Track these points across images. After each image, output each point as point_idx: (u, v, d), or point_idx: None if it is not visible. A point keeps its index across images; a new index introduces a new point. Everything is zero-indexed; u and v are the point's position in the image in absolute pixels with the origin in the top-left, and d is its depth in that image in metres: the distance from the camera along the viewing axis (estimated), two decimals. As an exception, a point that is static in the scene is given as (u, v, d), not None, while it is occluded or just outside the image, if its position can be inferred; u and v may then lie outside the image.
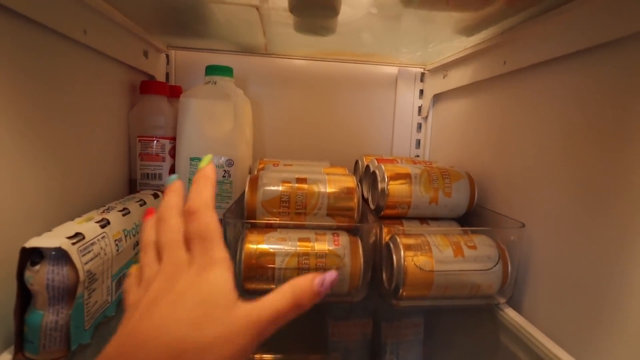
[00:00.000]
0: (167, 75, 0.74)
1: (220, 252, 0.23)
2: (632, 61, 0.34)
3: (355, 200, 0.48)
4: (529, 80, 0.48)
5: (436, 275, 0.45)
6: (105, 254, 0.38)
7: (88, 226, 0.37)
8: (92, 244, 0.36)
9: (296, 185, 0.48)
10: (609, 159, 0.36)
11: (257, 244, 0.43)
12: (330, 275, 0.23)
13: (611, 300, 0.35)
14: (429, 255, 0.46)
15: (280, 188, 0.47)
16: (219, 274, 0.22)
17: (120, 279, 0.42)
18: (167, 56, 0.73)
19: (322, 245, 0.44)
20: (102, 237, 0.38)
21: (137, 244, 0.46)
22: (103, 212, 0.43)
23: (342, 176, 0.50)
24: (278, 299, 0.22)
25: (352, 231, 0.47)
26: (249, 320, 0.20)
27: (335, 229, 0.47)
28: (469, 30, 0.49)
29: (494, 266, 0.46)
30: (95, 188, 0.52)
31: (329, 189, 0.48)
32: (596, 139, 0.38)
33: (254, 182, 0.48)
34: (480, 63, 0.57)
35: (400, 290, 0.45)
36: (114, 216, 0.42)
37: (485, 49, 0.54)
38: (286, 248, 0.43)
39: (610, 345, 0.35)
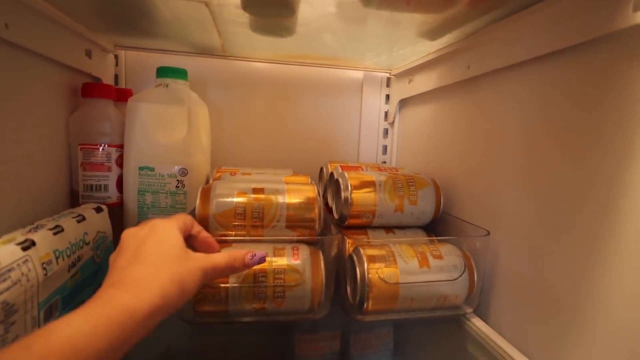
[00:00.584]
0: (116, 77, 0.68)
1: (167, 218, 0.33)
2: (596, 65, 0.33)
3: (316, 211, 0.45)
4: (493, 85, 0.48)
5: (401, 288, 0.43)
6: (28, 280, 0.33)
7: (5, 250, 0.32)
8: (8, 270, 0.31)
9: (252, 195, 0.44)
10: (573, 164, 0.35)
11: None
12: (260, 253, 0.34)
13: (577, 309, 0.34)
14: (394, 267, 0.44)
15: (235, 199, 0.44)
16: (168, 230, 0.31)
17: (51, 307, 0.37)
18: (116, 57, 0.67)
19: (281, 260, 0.41)
20: (24, 262, 0.33)
21: (73, 264, 0.41)
22: (29, 231, 0.38)
23: (302, 185, 0.47)
24: (219, 257, 0.31)
25: (313, 244, 0.44)
26: (199, 264, 0.30)
27: (294, 242, 0.44)
28: (433, 33, 0.48)
29: (460, 276, 0.45)
30: (26, 203, 0.46)
31: (288, 200, 0.45)
32: (560, 143, 0.37)
33: (206, 194, 0.44)
34: (445, 68, 0.56)
35: (365, 305, 0.43)
36: (41, 236, 0.37)
37: (449, 54, 0.53)
38: None
39: (576, 356, 0.34)
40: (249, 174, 0.57)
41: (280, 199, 0.44)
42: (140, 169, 0.56)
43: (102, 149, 0.56)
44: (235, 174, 0.57)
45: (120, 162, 0.58)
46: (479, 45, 0.47)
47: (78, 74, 0.57)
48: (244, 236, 0.43)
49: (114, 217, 0.54)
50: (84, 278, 0.44)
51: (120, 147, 0.57)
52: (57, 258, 0.38)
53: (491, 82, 0.48)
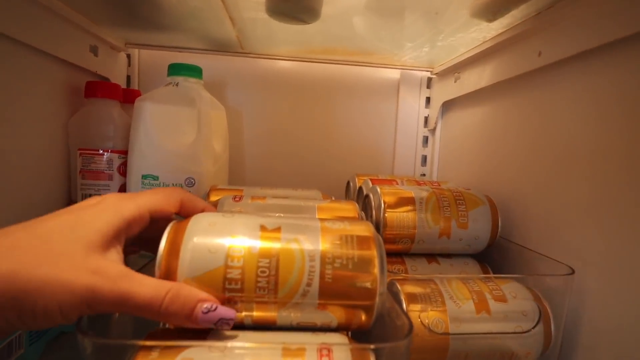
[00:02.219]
0: (129, 79, 0.63)
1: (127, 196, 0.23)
2: None
3: (376, 271, 0.23)
4: (572, 75, 0.37)
5: (452, 340, 0.33)
6: None
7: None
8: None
9: (259, 244, 0.23)
10: None
11: None
12: (227, 312, 0.20)
13: None
14: (442, 310, 0.33)
15: (226, 251, 0.22)
16: (99, 214, 0.21)
17: (11, 343, 0.30)
18: (129, 57, 0.62)
19: None
20: None
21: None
22: None
23: (350, 223, 0.26)
24: (144, 285, 0.19)
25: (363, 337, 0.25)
26: (88, 281, 0.18)
27: (323, 333, 0.24)
28: (492, 11, 0.38)
29: (534, 327, 0.33)
30: (17, 215, 0.41)
31: (324, 247, 0.23)
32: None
33: (177, 237, 0.23)
34: (505, 58, 0.45)
35: (403, 360, 0.32)
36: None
37: (512, 38, 0.42)
38: None
39: None
40: (263, 198, 0.36)
41: (309, 245, 0.23)
42: (144, 177, 0.49)
43: (103, 155, 0.50)
44: (240, 198, 0.36)
45: (123, 170, 0.51)
46: (555, 23, 0.37)
47: (82, 72, 0.52)
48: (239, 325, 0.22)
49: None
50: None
51: (125, 153, 0.51)
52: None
53: (571, 70, 0.37)
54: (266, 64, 0.64)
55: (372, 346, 0.22)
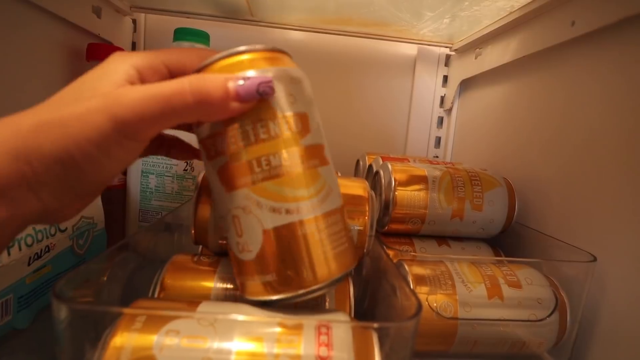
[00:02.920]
0: (134, 45, 0.61)
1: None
2: None
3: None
4: (609, 47, 0.34)
5: (460, 325, 0.31)
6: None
7: None
8: None
9: (296, 144, 0.21)
10: None
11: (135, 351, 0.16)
12: (262, 76, 0.20)
13: None
14: (451, 294, 0.32)
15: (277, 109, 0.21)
16: (105, 66, 0.19)
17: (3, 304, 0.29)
18: (135, 22, 0.60)
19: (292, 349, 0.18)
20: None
21: (37, 256, 0.33)
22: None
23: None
24: (164, 84, 0.18)
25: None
26: (102, 102, 0.17)
27: (324, 318, 0.21)
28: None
29: (549, 315, 0.32)
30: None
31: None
32: None
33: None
34: (535, 29, 0.42)
35: (408, 344, 0.31)
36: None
37: (543, 7, 0.39)
38: None
39: None
40: None
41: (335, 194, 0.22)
42: (144, 146, 0.47)
43: (105, 121, 0.49)
44: None
45: (124, 138, 0.50)
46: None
47: (84, 34, 0.50)
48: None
49: (114, 203, 0.47)
50: (56, 273, 0.36)
51: (127, 120, 0.49)
52: (9, 247, 0.30)
53: (608, 42, 0.34)
54: (277, 33, 0.62)
55: (375, 325, 0.20)
